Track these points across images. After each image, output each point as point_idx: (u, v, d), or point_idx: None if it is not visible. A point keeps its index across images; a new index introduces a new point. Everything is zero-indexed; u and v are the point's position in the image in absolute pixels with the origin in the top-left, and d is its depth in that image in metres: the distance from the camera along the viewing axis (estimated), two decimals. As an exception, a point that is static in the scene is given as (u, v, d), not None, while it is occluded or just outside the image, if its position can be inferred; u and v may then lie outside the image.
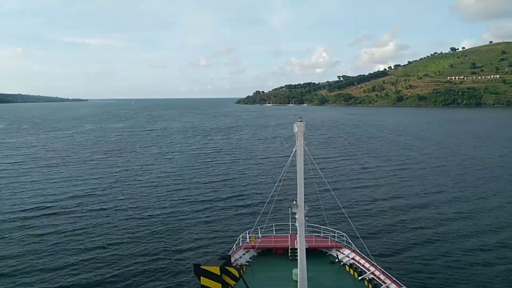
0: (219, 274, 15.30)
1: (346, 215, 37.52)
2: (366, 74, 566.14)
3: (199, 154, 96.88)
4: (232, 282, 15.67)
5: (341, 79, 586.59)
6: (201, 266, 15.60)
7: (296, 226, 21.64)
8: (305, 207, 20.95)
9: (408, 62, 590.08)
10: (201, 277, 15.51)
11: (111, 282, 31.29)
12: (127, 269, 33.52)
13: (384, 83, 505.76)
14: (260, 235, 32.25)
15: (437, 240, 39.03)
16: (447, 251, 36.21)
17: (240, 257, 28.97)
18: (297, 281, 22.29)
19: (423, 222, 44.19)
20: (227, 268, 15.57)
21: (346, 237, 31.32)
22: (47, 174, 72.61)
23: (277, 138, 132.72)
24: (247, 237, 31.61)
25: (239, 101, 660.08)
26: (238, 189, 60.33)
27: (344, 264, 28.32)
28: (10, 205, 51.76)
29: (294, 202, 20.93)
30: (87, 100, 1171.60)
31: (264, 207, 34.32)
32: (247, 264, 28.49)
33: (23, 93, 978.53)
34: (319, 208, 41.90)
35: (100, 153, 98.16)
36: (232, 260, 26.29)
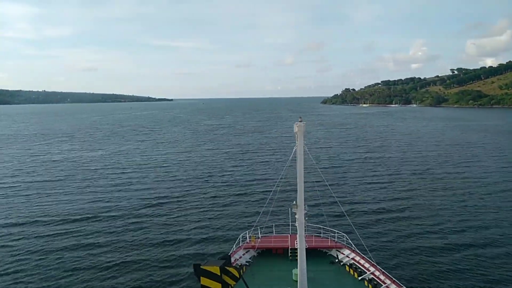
0: (219, 274, 15.29)
1: (346, 215, 37.52)
2: (495, 66, 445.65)
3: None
4: (232, 282, 15.66)
5: (455, 72, 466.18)
6: (201, 266, 15.59)
7: (296, 226, 21.65)
8: (305, 207, 20.96)
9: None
10: (201, 277, 15.50)
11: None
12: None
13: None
14: (260, 235, 32.25)
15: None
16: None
17: (240, 257, 28.98)
18: (297, 281, 22.29)
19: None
20: (227, 268, 15.57)
21: (346, 237, 31.31)
22: None
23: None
24: (247, 237, 31.61)
25: (326, 101, 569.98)
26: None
27: (344, 264, 28.32)
28: None
29: (294, 202, 20.94)
30: (171, 100, 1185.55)
31: (264, 207, 34.36)
32: (247, 264, 28.49)
33: (117, 93, 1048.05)
34: (319, 208, 41.92)
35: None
36: (232, 260, 26.28)
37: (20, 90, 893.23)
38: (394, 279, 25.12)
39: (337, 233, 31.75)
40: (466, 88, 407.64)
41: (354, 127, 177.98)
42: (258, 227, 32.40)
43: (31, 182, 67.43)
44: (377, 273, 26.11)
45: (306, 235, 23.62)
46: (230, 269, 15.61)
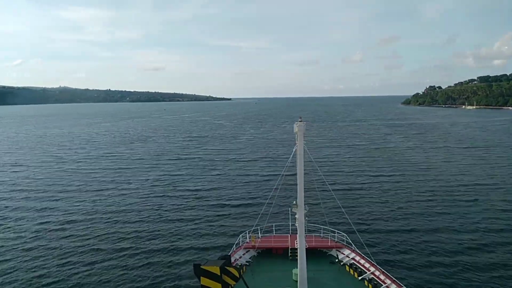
0: (219, 274, 15.27)
1: (346, 215, 37.50)
2: None
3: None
4: (232, 282, 15.63)
5: None
6: (201, 266, 15.56)
7: (296, 226, 21.65)
8: (305, 207, 20.96)
9: None
10: (201, 277, 15.48)
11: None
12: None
13: None
14: (260, 235, 32.26)
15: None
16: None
17: (240, 257, 28.98)
18: (297, 281, 22.30)
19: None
20: (227, 268, 15.54)
21: (346, 237, 31.32)
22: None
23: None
24: (247, 237, 31.62)
25: (409, 101, 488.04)
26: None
27: (344, 264, 28.31)
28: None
29: (294, 202, 20.95)
30: (230, 99, 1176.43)
31: (264, 207, 34.33)
32: (247, 264, 28.49)
33: (178, 92, 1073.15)
34: (319, 208, 41.89)
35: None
36: (232, 260, 26.28)
37: (87, 89, 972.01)
38: (394, 279, 25.12)
39: (337, 233, 31.75)
40: None
41: None
42: (258, 227, 32.39)
43: None
44: (377, 273, 26.11)
45: (306, 235, 23.63)
46: (230, 269, 15.58)
